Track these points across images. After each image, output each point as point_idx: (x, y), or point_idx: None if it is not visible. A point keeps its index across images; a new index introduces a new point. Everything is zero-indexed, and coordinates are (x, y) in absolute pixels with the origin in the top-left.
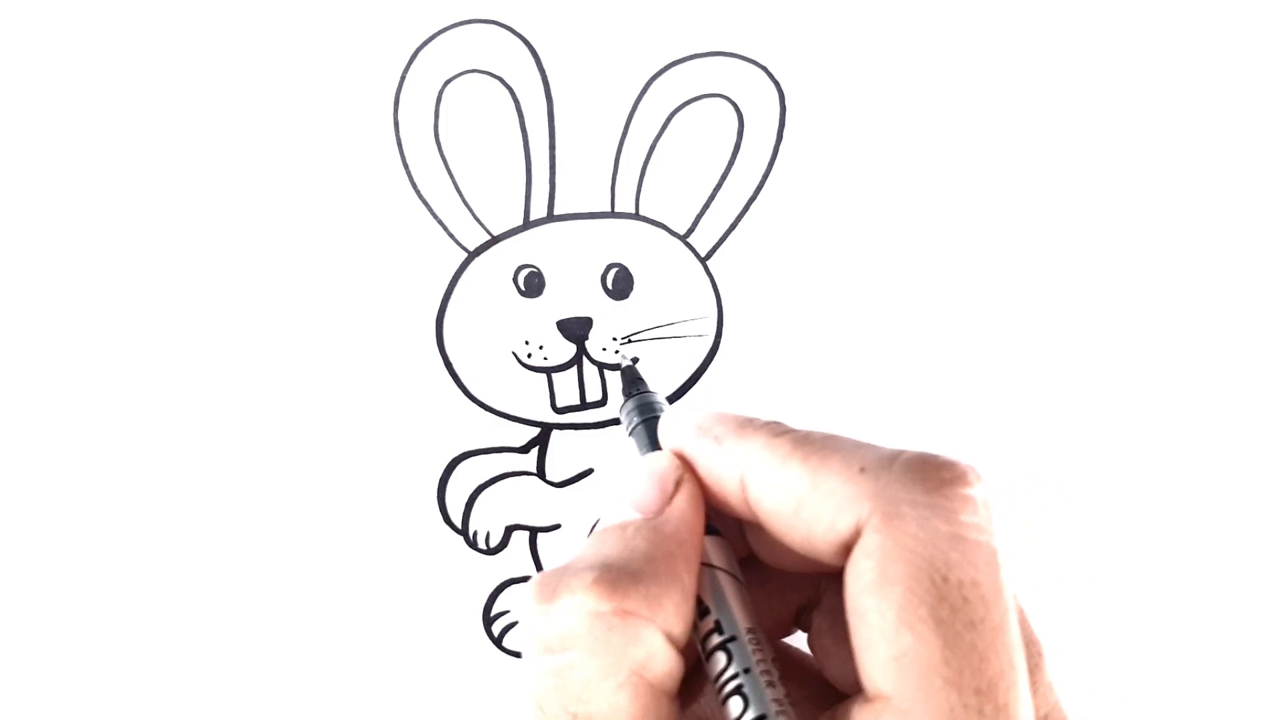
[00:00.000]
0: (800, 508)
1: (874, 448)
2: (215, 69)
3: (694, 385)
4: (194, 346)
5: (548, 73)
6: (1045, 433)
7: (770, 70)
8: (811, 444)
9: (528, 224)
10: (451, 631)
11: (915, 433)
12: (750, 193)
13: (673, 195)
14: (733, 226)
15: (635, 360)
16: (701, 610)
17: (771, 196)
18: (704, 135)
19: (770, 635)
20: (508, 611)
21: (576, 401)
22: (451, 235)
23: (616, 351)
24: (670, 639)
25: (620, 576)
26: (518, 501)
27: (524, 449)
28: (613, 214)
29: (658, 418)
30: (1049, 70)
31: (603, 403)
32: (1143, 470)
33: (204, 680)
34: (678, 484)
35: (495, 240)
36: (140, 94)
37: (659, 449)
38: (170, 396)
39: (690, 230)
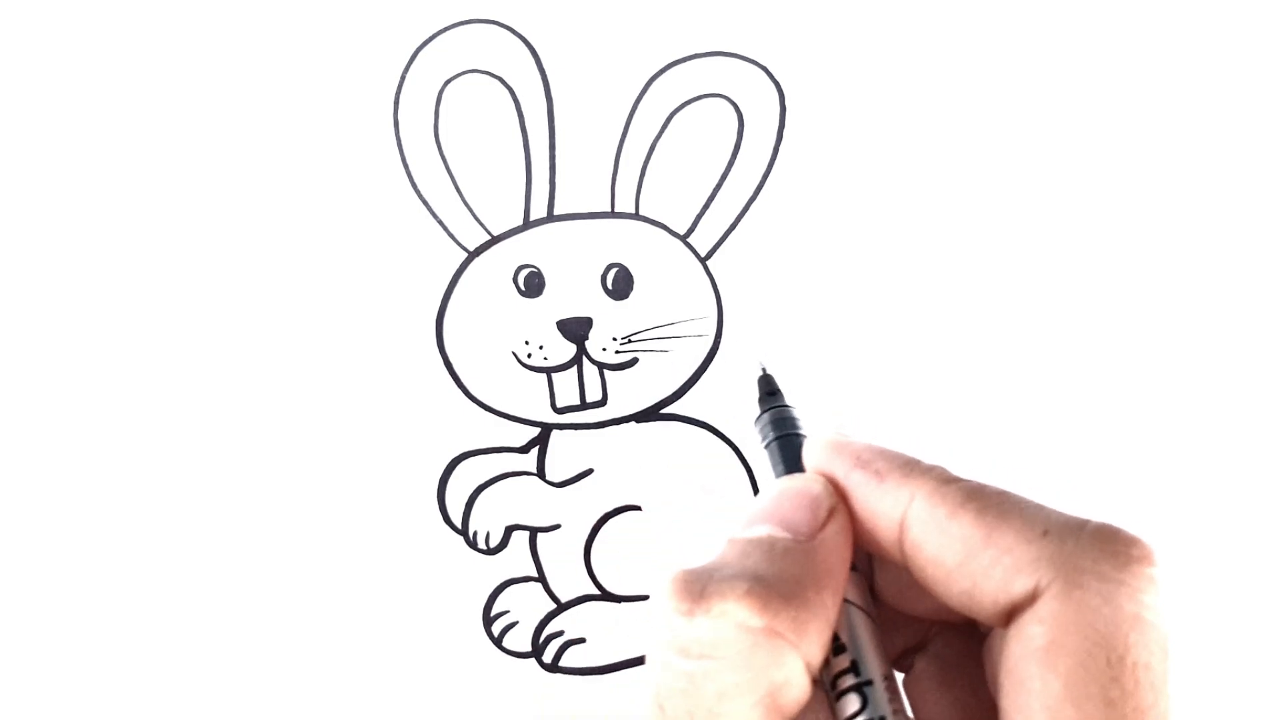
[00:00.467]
0: (968, 561)
1: (1054, 511)
2: (215, 69)
3: (694, 385)
4: (194, 346)
5: (548, 73)
6: (1045, 432)
7: (770, 70)
8: (986, 498)
9: (528, 224)
10: (451, 631)
11: (915, 433)
12: (750, 193)
13: (673, 195)
14: (733, 226)
15: (766, 369)
16: (836, 647)
17: (771, 196)
18: (704, 135)
19: None
20: (508, 611)
21: (576, 402)
22: (451, 235)
23: (617, 352)
24: (808, 668)
25: (773, 594)
26: (518, 501)
27: (524, 449)
28: (613, 214)
29: (797, 435)
30: (1049, 70)
31: (602, 403)
32: (1143, 470)
33: (204, 680)
34: (830, 512)
35: (495, 240)
36: (140, 94)
37: (799, 469)
38: (170, 396)
39: (690, 230)
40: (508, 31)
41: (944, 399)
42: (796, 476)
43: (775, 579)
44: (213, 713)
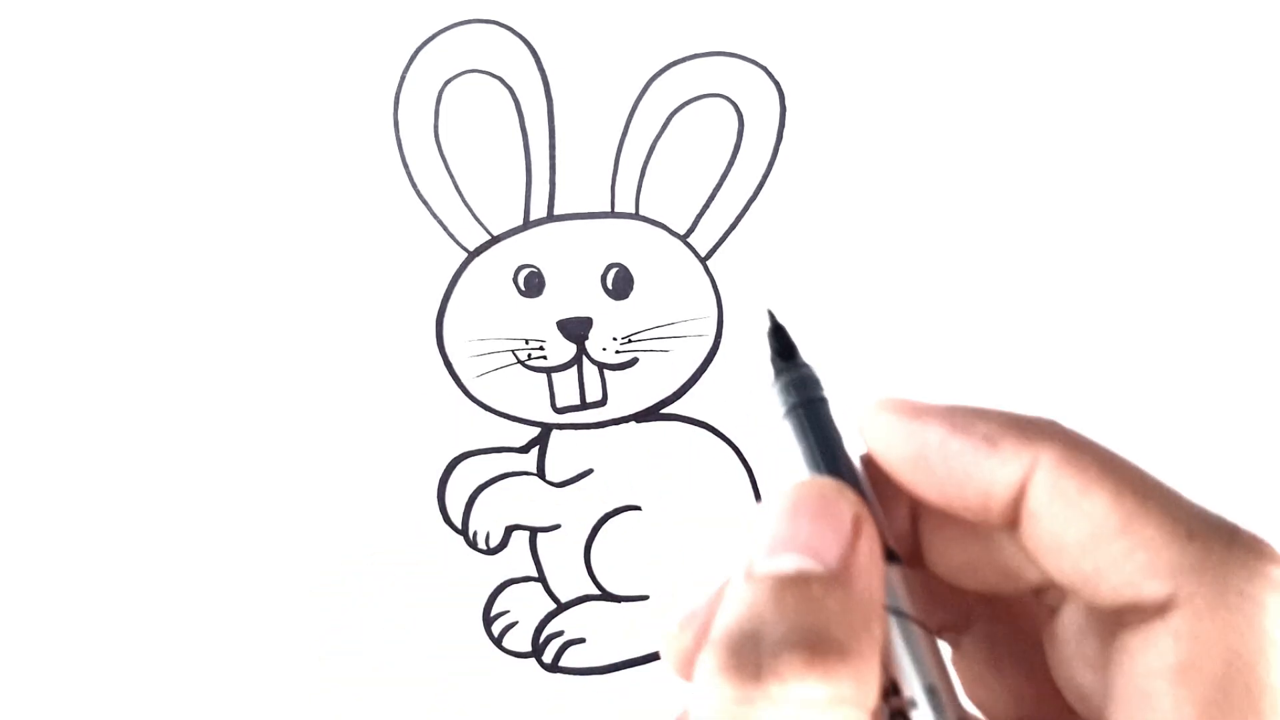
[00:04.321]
0: (1096, 546)
1: (1198, 507)
2: (216, 69)
3: (694, 385)
4: (194, 346)
5: (548, 73)
6: None
7: (770, 70)
8: (1124, 474)
9: (528, 224)
10: (451, 631)
11: None
12: (750, 193)
13: (673, 195)
14: (733, 226)
15: (775, 317)
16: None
17: (771, 196)
18: (704, 135)
19: None
20: (508, 611)
21: (576, 401)
22: (451, 235)
23: (617, 352)
24: (870, 715)
25: (830, 655)
26: (518, 501)
27: (524, 449)
28: (613, 214)
29: (821, 400)
30: (1049, 70)
31: (602, 403)
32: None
33: (204, 680)
34: (857, 525)
35: (495, 240)
36: (141, 94)
37: (831, 454)
38: (170, 396)
39: (690, 230)
40: (508, 31)
41: (944, 399)
42: (810, 484)
43: (824, 630)
44: (212, 712)
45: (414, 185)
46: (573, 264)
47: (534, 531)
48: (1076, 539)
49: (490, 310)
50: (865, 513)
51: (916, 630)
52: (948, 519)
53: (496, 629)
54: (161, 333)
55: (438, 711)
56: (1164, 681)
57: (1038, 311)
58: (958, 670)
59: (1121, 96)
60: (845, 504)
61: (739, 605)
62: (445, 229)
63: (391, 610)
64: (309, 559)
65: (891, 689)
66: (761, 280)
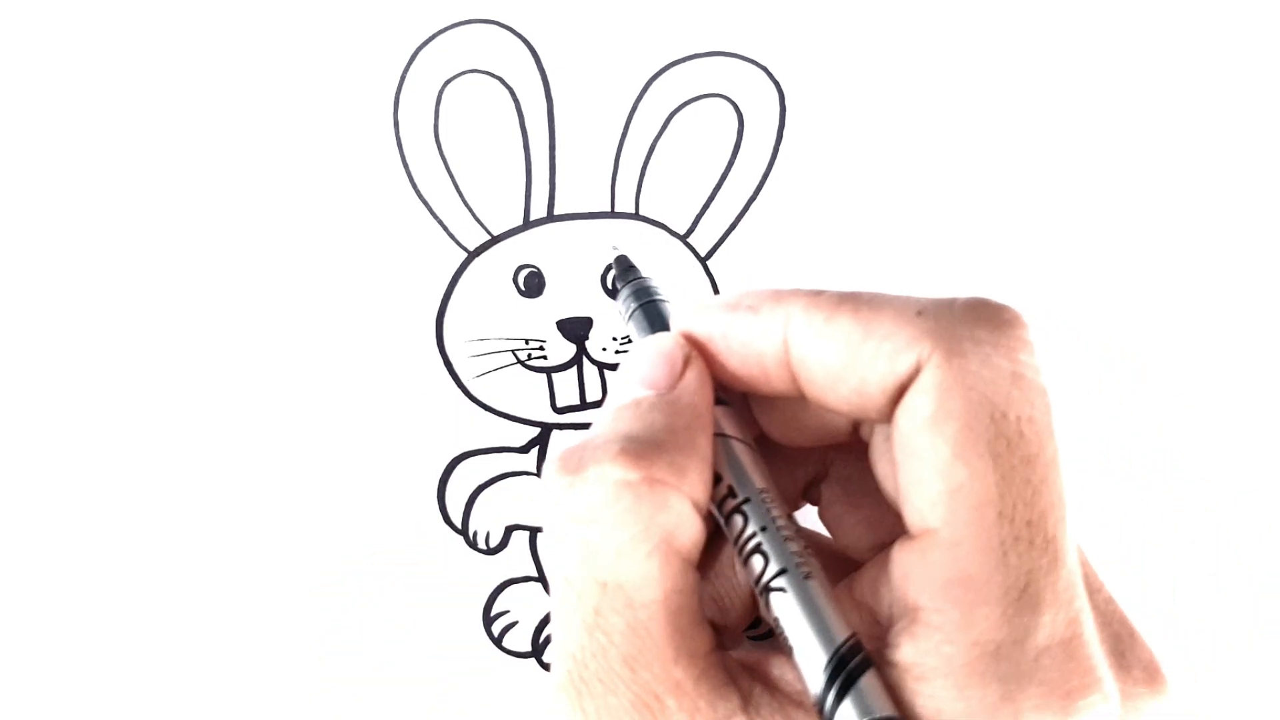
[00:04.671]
0: (852, 358)
1: (924, 297)
2: (215, 69)
3: None
4: (193, 346)
5: (548, 73)
6: None
7: (770, 70)
8: (859, 297)
9: (528, 224)
10: (451, 631)
11: None
12: (750, 193)
13: (673, 195)
14: (733, 226)
15: (618, 249)
16: (716, 478)
17: (771, 196)
18: (704, 135)
19: None
20: (508, 611)
21: (576, 401)
22: (451, 235)
23: (617, 352)
24: (695, 506)
25: (645, 447)
26: (518, 501)
27: (524, 449)
28: (613, 214)
29: (656, 300)
30: (1049, 70)
31: (602, 403)
32: (1143, 469)
33: (203, 680)
34: (686, 360)
35: (495, 240)
36: (139, 94)
37: (664, 330)
38: (169, 396)
39: (690, 230)
40: (508, 31)
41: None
42: (652, 338)
43: (645, 433)
44: (212, 712)
45: (414, 185)
46: (573, 264)
47: (534, 531)
48: (838, 359)
49: (490, 310)
50: (695, 355)
51: (743, 448)
52: (767, 398)
53: (496, 629)
54: (160, 332)
55: (438, 711)
56: (923, 435)
57: (1038, 311)
58: (825, 523)
59: (1123, 96)
60: (678, 348)
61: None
62: (445, 229)
63: (391, 610)
64: (309, 559)
65: (730, 492)
66: (761, 280)
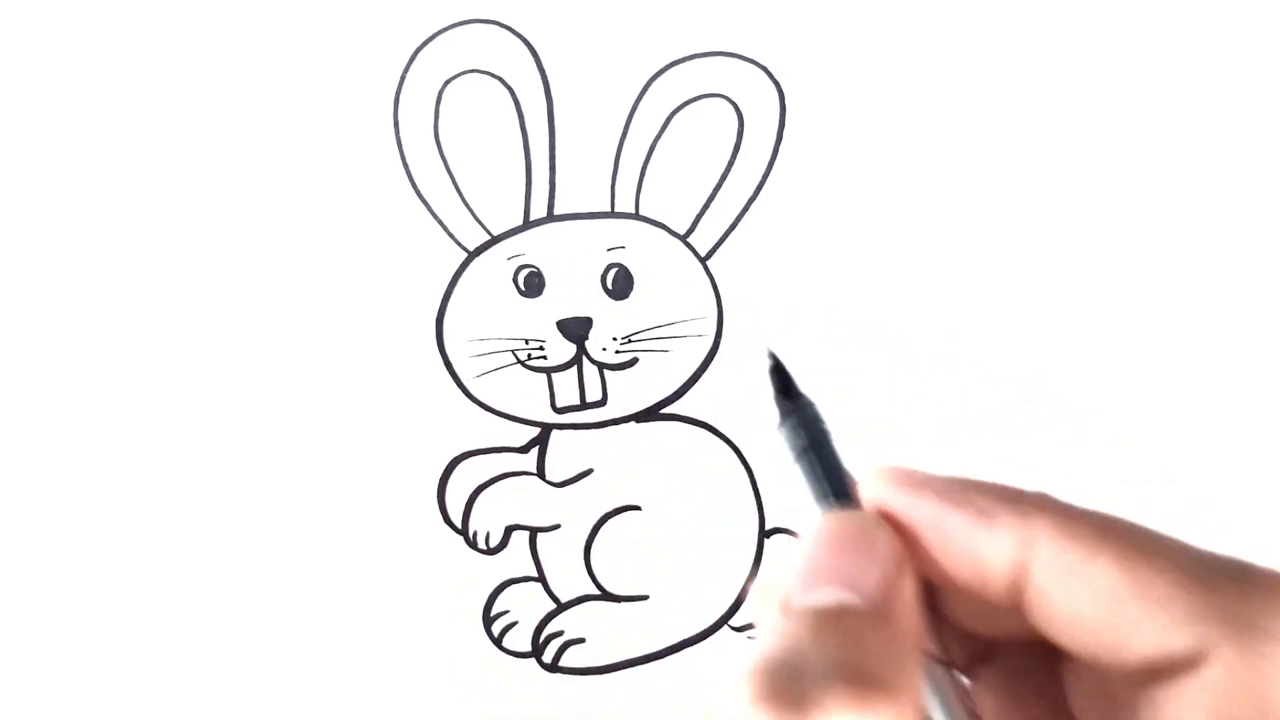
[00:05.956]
0: (1114, 615)
1: (1204, 552)
2: (215, 69)
3: (694, 385)
4: (194, 346)
5: (548, 73)
6: (1047, 433)
7: (770, 70)
8: (1123, 536)
9: (527, 224)
10: (451, 631)
11: (915, 432)
12: (750, 193)
13: (673, 195)
14: (733, 226)
15: (776, 356)
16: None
17: (771, 196)
18: (704, 135)
19: None
20: (508, 611)
21: (576, 401)
22: (451, 235)
23: (617, 352)
24: None
25: (873, 689)
26: (518, 501)
27: (524, 449)
28: (613, 214)
29: (830, 448)
30: (1049, 70)
31: (602, 403)
32: (1143, 470)
33: (203, 680)
34: (899, 560)
35: (495, 240)
36: (140, 94)
37: (846, 496)
38: (170, 396)
39: (690, 230)
40: (508, 31)
41: (945, 399)
42: (850, 516)
43: (866, 663)
44: (213, 713)
45: (414, 185)
46: (572, 264)
47: (534, 531)
48: (1091, 610)
49: (490, 310)
50: (906, 560)
51: (949, 673)
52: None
53: (496, 629)
54: (160, 332)
55: (438, 711)
56: None
57: (1038, 311)
58: (978, 702)
59: (1123, 96)
60: (884, 539)
61: (776, 637)
62: (445, 229)
63: (392, 610)
64: (309, 559)
65: None
66: (761, 280)
